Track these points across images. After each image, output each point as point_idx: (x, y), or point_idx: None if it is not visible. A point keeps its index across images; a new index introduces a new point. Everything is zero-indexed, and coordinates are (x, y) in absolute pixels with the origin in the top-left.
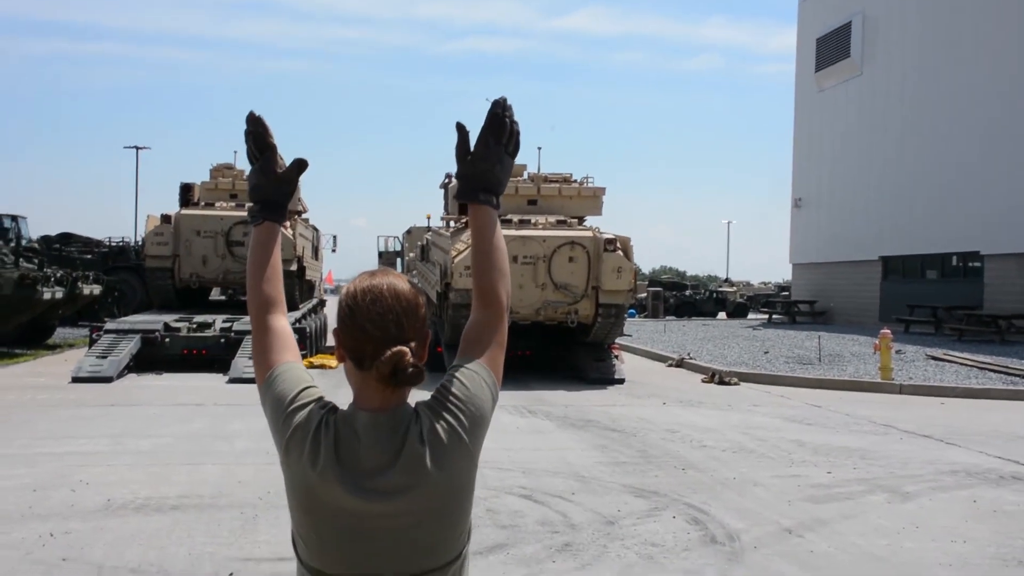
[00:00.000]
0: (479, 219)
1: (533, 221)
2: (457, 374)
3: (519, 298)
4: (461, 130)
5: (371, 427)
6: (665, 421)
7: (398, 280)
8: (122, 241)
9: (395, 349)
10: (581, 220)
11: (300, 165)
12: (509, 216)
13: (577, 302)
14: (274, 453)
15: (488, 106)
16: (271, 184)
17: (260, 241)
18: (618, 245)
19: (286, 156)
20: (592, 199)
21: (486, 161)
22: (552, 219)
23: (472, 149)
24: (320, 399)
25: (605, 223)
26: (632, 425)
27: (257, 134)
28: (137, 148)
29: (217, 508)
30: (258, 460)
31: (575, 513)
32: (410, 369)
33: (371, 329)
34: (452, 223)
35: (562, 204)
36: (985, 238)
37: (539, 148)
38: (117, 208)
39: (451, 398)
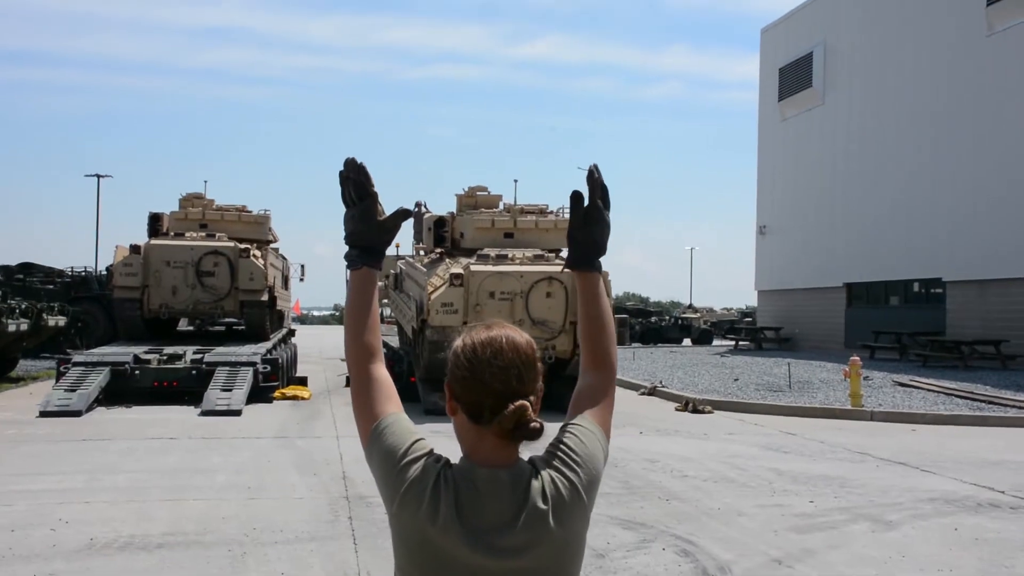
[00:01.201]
0: (593, 286)
1: (510, 256)
2: (574, 431)
3: None
4: (578, 198)
5: (492, 483)
6: (644, 450)
7: (515, 333)
8: (84, 271)
9: (518, 404)
10: (558, 252)
11: (405, 214)
12: (486, 251)
13: (555, 337)
14: (256, 487)
15: (584, 173)
16: (372, 231)
17: (358, 288)
18: None
19: (242, 182)
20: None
21: (600, 227)
22: (529, 253)
23: (584, 215)
24: (432, 452)
25: None
26: (611, 455)
27: (358, 182)
28: (99, 176)
29: (203, 545)
30: (240, 495)
31: None
32: (532, 424)
33: (493, 383)
34: (421, 251)
35: (539, 237)
36: (947, 265)
37: (515, 180)
38: (77, 237)
39: (571, 455)
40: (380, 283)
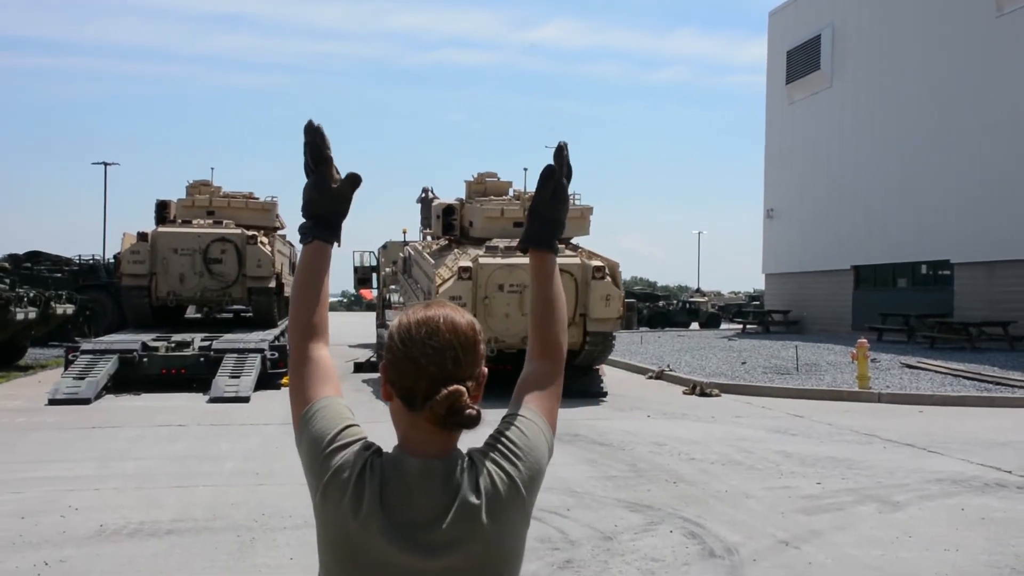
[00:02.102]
0: (547, 266)
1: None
2: (516, 422)
3: (504, 327)
4: (551, 174)
5: (422, 474)
6: (651, 434)
7: (455, 312)
8: (92, 259)
9: (451, 388)
10: (568, 241)
11: (353, 181)
12: (495, 242)
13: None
14: (264, 473)
15: (550, 152)
16: (325, 200)
17: (308, 262)
18: (606, 272)
19: (263, 171)
20: (579, 220)
21: (565, 206)
22: None
23: (552, 193)
24: (363, 440)
25: (590, 241)
26: (619, 439)
27: (314, 145)
28: (105, 164)
29: (212, 531)
30: (248, 481)
31: (572, 529)
32: (467, 411)
33: (426, 365)
34: (428, 237)
35: None
36: (954, 247)
37: (525, 169)
38: (85, 225)
39: (510, 446)
40: (388, 269)
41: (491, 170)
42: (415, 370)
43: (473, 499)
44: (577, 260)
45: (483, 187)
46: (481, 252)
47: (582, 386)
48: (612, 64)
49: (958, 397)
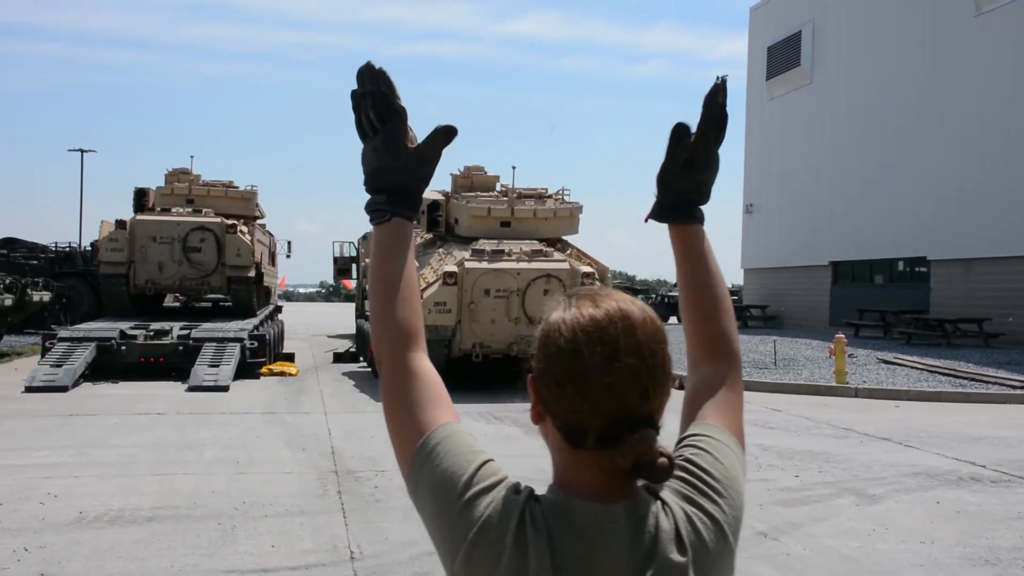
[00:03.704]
0: (698, 242)
1: (507, 251)
2: (704, 445)
3: (491, 333)
4: (681, 132)
5: (601, 525)
6: None
7: (635, 309)
8: (69, 246)
9: (640, 434)
10: (556, 242)
11: (448, 133)
12: (482, 244)
13: None
14: (245, 462)
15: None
16: (403, 165)
17: (390, 245)
18: (596, 277)
19: (219, 161)
20: (568, 219)
21: (710, 168)
22: (527, 247)
23: (688, 159)
24: (507, 480)
25: (576, 237)
26: None
27: (380, 94)
28: (82, 151)
29: (193, 519)
30: (229, 469)
31: None
32: (659, 460)
33: (603, 400)
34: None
35: (537, 226)
36: (931, 244)
37: (513, 167)
38: (61, 213)
39: (706, 479)
40: (368, 259)
41: (477, 164)
42: (585, 403)
43: (676, 556)
44: (566, 265)
45: (469, 181)
46: (467, 255)
47: None
48: (591, 58)
49: (934, 392)
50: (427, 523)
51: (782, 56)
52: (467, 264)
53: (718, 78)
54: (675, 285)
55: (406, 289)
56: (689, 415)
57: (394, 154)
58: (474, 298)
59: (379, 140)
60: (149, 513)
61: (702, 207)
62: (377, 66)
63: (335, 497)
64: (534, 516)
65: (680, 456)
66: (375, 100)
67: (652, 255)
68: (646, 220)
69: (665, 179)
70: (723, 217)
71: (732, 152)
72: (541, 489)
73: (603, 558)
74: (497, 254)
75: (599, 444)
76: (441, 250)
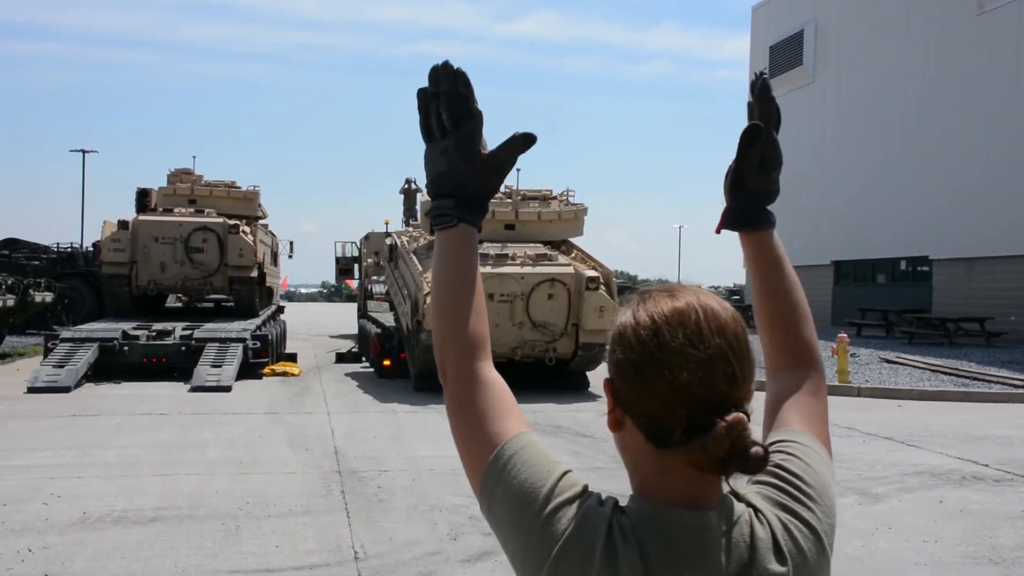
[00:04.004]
0: (775, 247)
1: (511, 254)
2: (794, 450)
3: (495, 337)
4: (756, 133)
5: (694, 534)
6: None
7: (713, 301)
8: (71, 247)
9: (732, 418)
10: (561, 244)
11: (527, 141)
12: (486, 247)
13: (556, 340)
14: (248, 462)
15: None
16: (475, 171)
17: (454, 252)
18: (600, 282)
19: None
20: (573, 221)
21: (780, 165)
22: (531, 251)
23: (762, 157)
24: (587, 489)
25: (580, 239)
26: (602, 431)
27: (456, 95)
28: (84, 152)
29: (197, 519)
30: (231, 469)
31: None
32: (754, 449)
33: (688, 384)
34: (411, 229)
35: (541, 229)
36: (933, 243)
37: (518, 170)
38: (63, 213)
39: (799, 485)
40: (370, 259)
41: None
42: (671, 392)
43: (776, 567)
44: (571, 269)
45: None
46: None
47: (563, 377)
48: (593, 58)
49: (936, 392)
50: (505, 539)
51: (784, 55)
52: None
53: (759, 73)
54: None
55: (473, 297)
56: (770, 423)
57: (468, 158)
58: None
59: (451, 142)
60: (152, 513)
61: (770, 204)
62: (456, 66)
63: (339, 497)
64: (622, 527)
65: (772, 462)
66: (450, 101)
67: (653, 256)
68: (718, 231)
69: (742, 181)
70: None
71: (733, 152)
72: (622, 500)
73: (698, 569)
74: (501, 258)
75: (688, 437)
76: None
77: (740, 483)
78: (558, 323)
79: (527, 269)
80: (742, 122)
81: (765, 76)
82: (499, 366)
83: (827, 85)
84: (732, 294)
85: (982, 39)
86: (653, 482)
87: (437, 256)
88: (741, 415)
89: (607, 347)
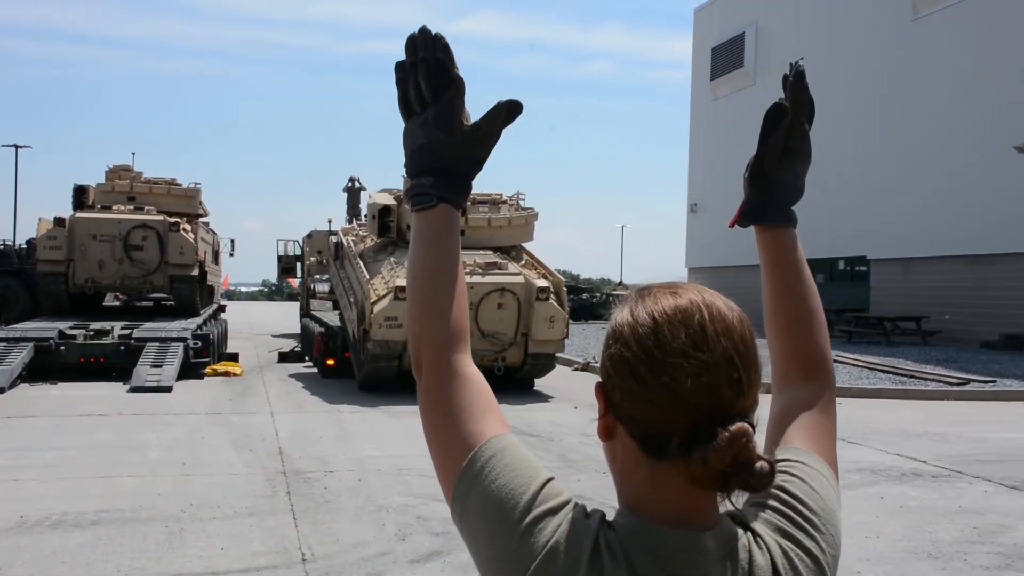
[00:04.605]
0: (794, 249)
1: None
2: (797, 471)
3: None
4: (779, 113)
5: (688, 556)
6: (579, 425)
7: (718, 300)
8: (3, 244)
9: (735, 428)
10: (511, 251)
11: (512, 109)
12: None
13: (505, 350)
14: (191, 463)
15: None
16: (457, 143)
17: (431, 236)
18: (551, 292)
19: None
20: (523, 226)
21: (807, 157)
22: (480, 259)
23: (786, 143)
24: (572, 500)
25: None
26: (548, 430)
27: (436, 62)
28: (16, 147)
29: (139, 522)
30: (175, 471)
31: None
32: (759, 464)
33: (689, 390)
34: (357, 227)
35: (491, 235)
36: (871, 243)
37: None
38: None
39: (801, 510)
40: (312, 258)
41: None
42: (670, 397)
43: None
44: (521, 279)
45: None
46: None
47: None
48: (538, 57)
49: (875, 390)
50: (477, 549)
51: (726, 57)
52: None
53: (796, 62)
54: (619, 284)
55: (453, 284)
56: (774, 439)
57: (447, 128)
58: None
59: (430, 113)
60: (94, 516)
61: (794, 203)
62: (433, 31)
63: (284, 498)
64: (610, 543)
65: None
66: (429, 69)
67: (596, 255)
68: (732, 225)
69: (764, 170)
70: (667, 216)
71: (677, 152)
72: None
73: None
74: None
75: (686, 449)
76: (392, 258)
77: (737, 504)
78: (507, 332)
79: (476, 279)
80: (685, 123)
81: (801, 64)
82: None
83: (768, 87)
84: None
85: (918, 43)
86: (645, 496)
87: (414, 239)
88: (746, 425)
89: (607, 343)
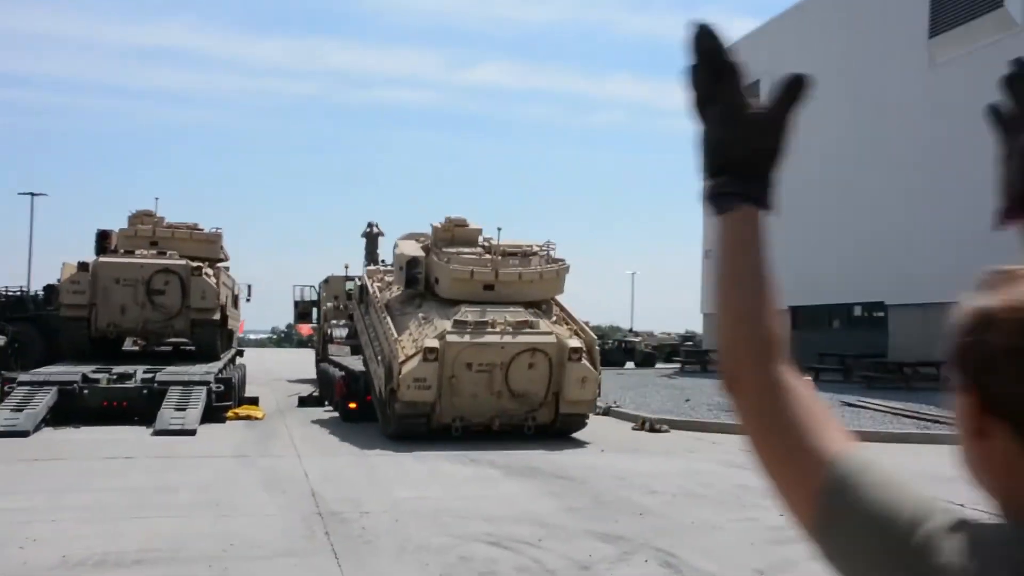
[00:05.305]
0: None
1: (490, 322)
2: None
3: (472, 406)
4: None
5: None
6: (609, 467)
7: None
8: (20, 291)
9: None
10: (542, 303)
11: (795, 84)
12: (464, 313)
13: (535, 410)
14: (226, 505)
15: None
16: (746, 136)
17: (740, 242)
18: (583, 351)
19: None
20: (554, 280)
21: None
22: (511, 317)
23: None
24: (962, 516)
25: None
26: (578, 473)
27: (712, 51)
28: (32, 194)
29: (181, 562)
30: (209, 512)
31: (548, 559)
32: None
33: None
34: (382, 272)
35: (521, 289)
36: (889, 289)
37: (499, 228)
38: (10, 257)
39: None
40: (329, 303)
41: (458, 215)
42: None
43: None
44: (552, 339)
45: (451, 235)
46: (448, 325)
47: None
48: (549, 106)
49: (901, 434)
50: (854, 571)
51: None
52: (448, 337)
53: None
54: (629, 330)
55: (766, 290)
56: None
57: (735, 123)
58: (455, 372)
59: (721, 106)
60: (135, 556)
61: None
62: (704, 23)
63: (323, 539)
64: (1015, 563)
65: None
66: (708, 57)
67: (605, 302)
68: (1005, 222)
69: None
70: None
71: (691, 199)
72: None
73: None
74: (480, 326)
75: None
76: (421, 314)
77: None
78: (538, 392)
79: (507, 339)
80: (691, 168)
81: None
82: (476, 433)
83: None
84: (685, 340)
85: (934, 91)
86: None
87: (720, 247)
88: None
89: (957, 333)
